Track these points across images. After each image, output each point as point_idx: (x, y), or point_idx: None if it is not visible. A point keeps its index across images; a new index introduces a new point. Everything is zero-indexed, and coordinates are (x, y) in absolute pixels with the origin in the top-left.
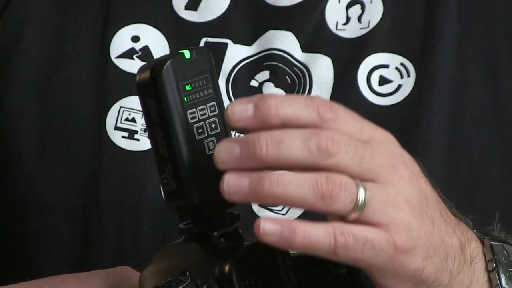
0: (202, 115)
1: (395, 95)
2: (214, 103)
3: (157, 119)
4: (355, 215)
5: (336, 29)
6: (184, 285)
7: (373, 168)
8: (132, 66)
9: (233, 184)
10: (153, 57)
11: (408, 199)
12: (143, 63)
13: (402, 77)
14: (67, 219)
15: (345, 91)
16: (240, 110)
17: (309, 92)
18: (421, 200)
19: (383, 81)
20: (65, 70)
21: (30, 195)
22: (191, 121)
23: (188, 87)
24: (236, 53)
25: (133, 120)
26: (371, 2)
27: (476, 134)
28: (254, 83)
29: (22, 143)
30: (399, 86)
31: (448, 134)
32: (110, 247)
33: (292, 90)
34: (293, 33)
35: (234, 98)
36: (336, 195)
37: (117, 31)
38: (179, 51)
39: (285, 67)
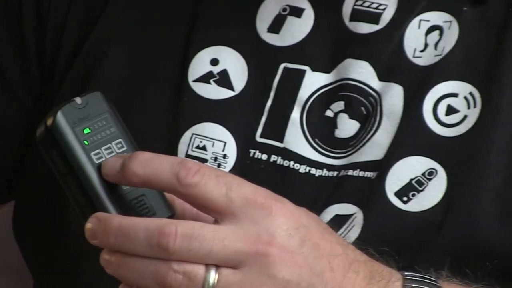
0: (108, 153)
1: (459, 126)
2: (120, 140)
3: (65, 169)
4: None
5: (413, 56)
6: None
7: (227, 257)
8: (208, 90)
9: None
10: (230, 82)
11: (272, 283)
12: (220, 88)
13: (469, 107)
14: None
15: (410, 121)
16: (111, 165)
17: (379, 123)
18: (293, 283)
19: (450, 110)
20: (145, 92)
21: None
22: (97, 162)
23: (86, 130)
24: (313, 81)
25: (204, 148)
26: (449, 27)
27: None
28: (329, 113)
29: None
30: (465, 117)
31: (507, 170)
32: None
33: (365, 120)
34: (370, 63)
35: (309, 128)
36: (176, 285)
37: (197, 53)
38: (72, 99)
39: (360, 98)
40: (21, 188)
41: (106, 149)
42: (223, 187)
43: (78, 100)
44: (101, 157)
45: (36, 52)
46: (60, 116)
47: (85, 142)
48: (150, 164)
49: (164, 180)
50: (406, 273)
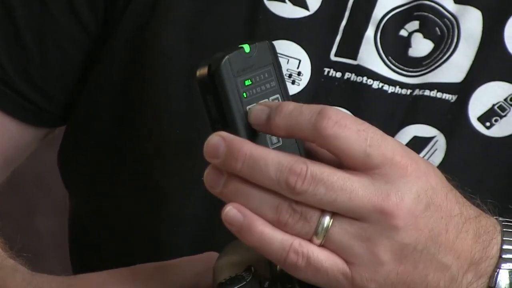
0: None
1: None
2: (277, 95)
3: (217, 116)
4: (317, 242)
5: None
6: (245, 282)
7: (349, 209)
8: (283, 9)
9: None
10: (305, 1)
11: (390, 244)
12: (295, 7)
13: None
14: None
15: (491, 46)
16: (257, 114)
17: (456, 45)
18: (410, 247)
19: None
20: (218, 9)
21: (174, 133)
22: None
23: (247, 82)
24: (388, 1)
25: None
26: None
27: None
28: (403, 32)
29: (169, 83)
30: None
31: None
32: None
33: (441, 41)
34: None
35: (382, 47)
36: (291, 224)
37: None
38: (239, 45)
39: (435, 18)
40: (77, 111)
41: None
42: (363, 143)
43: (246, 48)
44: None
45: None
46: (225, 63)
47: (244, 94)
48: (291, 116)
49: (304, 131)
50: (503, 222)
